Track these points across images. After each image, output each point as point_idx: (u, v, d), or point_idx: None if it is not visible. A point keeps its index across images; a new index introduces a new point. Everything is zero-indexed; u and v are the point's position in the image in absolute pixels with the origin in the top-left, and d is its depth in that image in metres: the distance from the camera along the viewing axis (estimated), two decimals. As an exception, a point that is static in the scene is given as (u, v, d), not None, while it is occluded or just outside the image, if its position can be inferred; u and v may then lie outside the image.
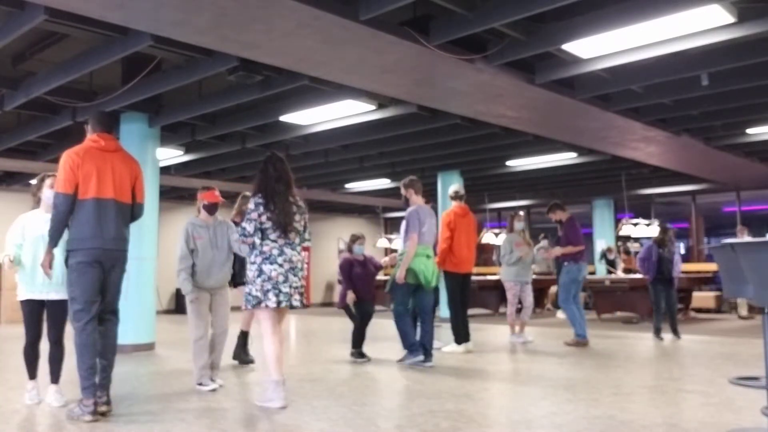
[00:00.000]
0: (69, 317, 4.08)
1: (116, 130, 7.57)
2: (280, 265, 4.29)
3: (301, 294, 4.39)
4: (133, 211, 4.24)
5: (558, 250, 7.93)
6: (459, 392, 4.76)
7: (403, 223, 6.16)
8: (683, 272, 12.75)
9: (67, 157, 4.02)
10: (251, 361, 6.22)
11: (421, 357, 5.99)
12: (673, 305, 8.51)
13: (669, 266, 8.45)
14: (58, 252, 4.04)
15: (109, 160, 4.10)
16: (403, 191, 6.33)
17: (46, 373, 4.40)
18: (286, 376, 4.36)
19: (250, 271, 4.33)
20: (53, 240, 3.99)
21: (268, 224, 4.31)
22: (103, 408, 3.94)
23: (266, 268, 4.27)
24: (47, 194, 4.41)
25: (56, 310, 4.33)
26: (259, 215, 4.31)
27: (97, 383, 3.94)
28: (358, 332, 6.57)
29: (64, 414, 3.99)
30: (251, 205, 4.35)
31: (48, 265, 4.00)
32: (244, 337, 6.31)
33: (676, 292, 8.86)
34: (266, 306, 4.26)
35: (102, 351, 4.02)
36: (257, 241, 4.31)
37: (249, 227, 4.30)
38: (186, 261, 5.01)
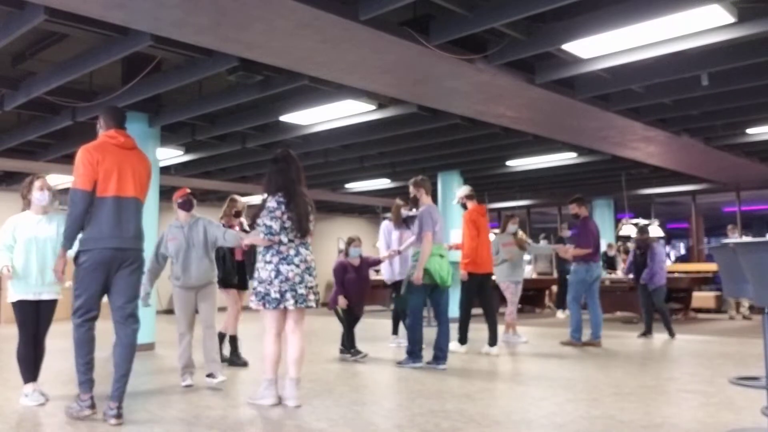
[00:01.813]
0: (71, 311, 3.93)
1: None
2: (297, 266, 4.26)
3: (315, 294, 4.37)
4: None
5: (571, 252, 7.89)
6: (459, 392, 4.76)
7: (415, 223, 6.03)
8: (684, 272, 12.76)
9: (85, 152, 3.81)
10: (243, 364, 6.13)
11: (421, 364, 5.90)
12: (658, 307, 8.58)
13: (641, 269, 8.60)
14: (51, 255, 3.99)
15: (128, 158, 3.97)
16: (412, 190, 6.16)
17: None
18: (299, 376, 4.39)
19: (265, 271, 4.25)
20: (69, 241, 3.79)
21: (288, 224, 4.27)
22: (113, 421, 3.71)
23: (284, 268, 4.23)
24: (37, 196, 4.37)
25: (47, 311, 4.31)
26: (282, 213, 4.26)
27: (110, 393, 3.78)
28: (348, 334, 6.59)
29: (62, 411, 3.98)
30: (273, 203, 4.27)
31: (62, 269, 3.87)
32: (222, 338, 6.10)
33: (669, 292, 8.97)
34: (284, 307, 4.24)
35: (118, 360, 3.85)
36: (284, 239, 4.27)
37: (275, 225, 4.24)
38: (150, 265, 5.04)
